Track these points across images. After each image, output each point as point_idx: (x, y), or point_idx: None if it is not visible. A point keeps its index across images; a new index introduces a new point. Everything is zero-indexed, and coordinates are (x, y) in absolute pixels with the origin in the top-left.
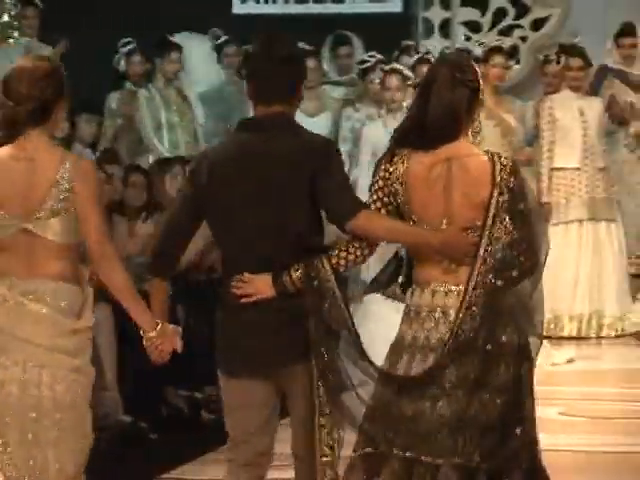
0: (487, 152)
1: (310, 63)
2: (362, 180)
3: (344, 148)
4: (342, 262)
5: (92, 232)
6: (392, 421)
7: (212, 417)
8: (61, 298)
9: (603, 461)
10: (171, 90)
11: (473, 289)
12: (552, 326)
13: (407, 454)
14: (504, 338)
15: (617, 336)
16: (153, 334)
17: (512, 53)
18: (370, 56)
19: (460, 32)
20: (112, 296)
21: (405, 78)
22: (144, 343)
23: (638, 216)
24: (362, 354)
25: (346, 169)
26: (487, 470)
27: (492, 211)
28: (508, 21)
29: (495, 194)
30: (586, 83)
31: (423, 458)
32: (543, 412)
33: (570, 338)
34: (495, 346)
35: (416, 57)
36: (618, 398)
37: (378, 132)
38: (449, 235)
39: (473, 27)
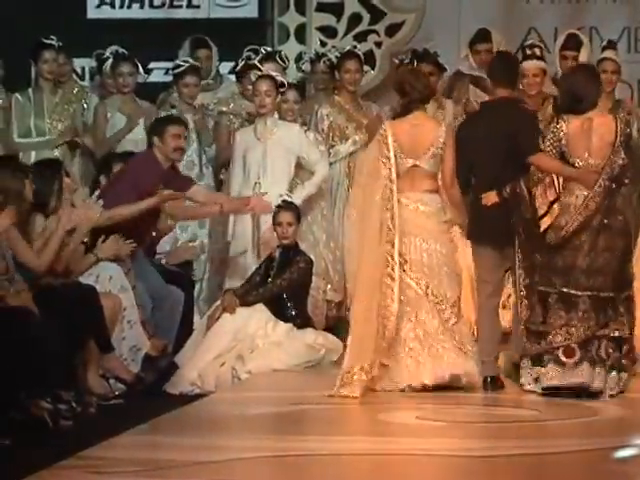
0: (612, 113)
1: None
2: (234, 180)
3: None
4: (532, 181)
5: (448, 168)
6: (553, 269)
7: (68, 424)
8: (436, 202)
9: (461, 465)
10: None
11: (598, 187)
12: None
13: (562, 289)
14: (618, 217)
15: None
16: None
17: (367, 58)
18: (184, 61)
19: (315, 37)
20: None
21: (276, 83)
22: None
23: None
24: (537, 233)
25: None
26: (611, 298)
27: (616, 144)
28: (363, 26)
29: (618, 136)
30: (440, 87)
31: (572, 291)
32: (400, 417)
33: None
34: (609, 223)
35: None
36: (479, 402)
37: (248, 137)
38: (583, 172)
39: (328, 32)
